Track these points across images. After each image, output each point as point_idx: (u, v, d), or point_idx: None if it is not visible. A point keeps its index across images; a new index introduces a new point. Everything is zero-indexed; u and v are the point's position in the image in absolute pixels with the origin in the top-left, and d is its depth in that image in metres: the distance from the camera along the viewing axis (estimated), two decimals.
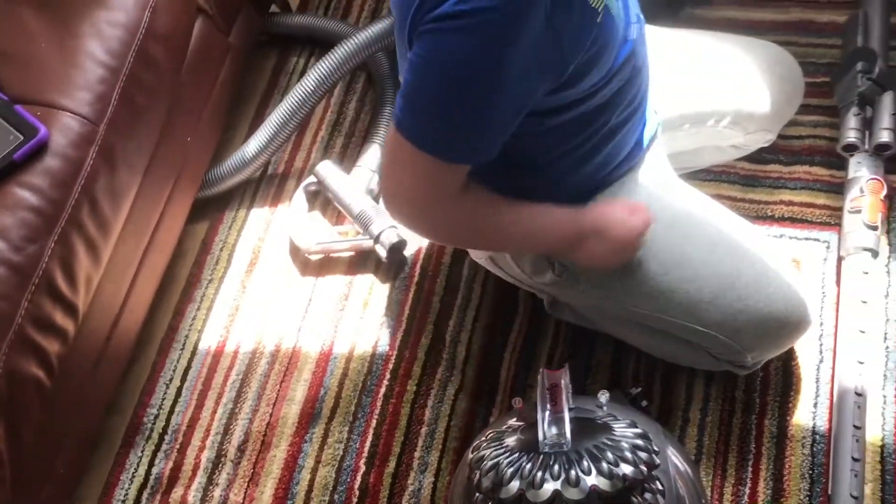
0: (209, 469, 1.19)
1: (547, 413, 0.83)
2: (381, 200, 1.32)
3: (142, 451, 1.22)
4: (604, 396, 0.92)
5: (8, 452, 0.97)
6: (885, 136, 1.14)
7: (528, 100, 0.78)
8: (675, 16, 1.35)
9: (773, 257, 0.99)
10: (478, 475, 0.80)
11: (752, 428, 1.07)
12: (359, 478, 1.14)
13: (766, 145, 1.18)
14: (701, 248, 0.97)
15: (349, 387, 1.21)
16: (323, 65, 1.34)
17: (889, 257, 1.15)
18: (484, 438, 0.87)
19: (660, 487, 0.81)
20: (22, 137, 0.99)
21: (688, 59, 1.10)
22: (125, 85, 1.09)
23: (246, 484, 1.17)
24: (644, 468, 0.77)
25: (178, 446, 1.22)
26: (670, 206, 0.98)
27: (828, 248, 1.17)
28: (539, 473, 0.76)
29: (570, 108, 0.84)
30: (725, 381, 1.11)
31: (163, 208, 1.24)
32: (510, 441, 0.84)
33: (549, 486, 0.74)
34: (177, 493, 1.18)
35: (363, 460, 1.15)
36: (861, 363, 1.04)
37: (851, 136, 1.16)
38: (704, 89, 1.09)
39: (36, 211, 0.99)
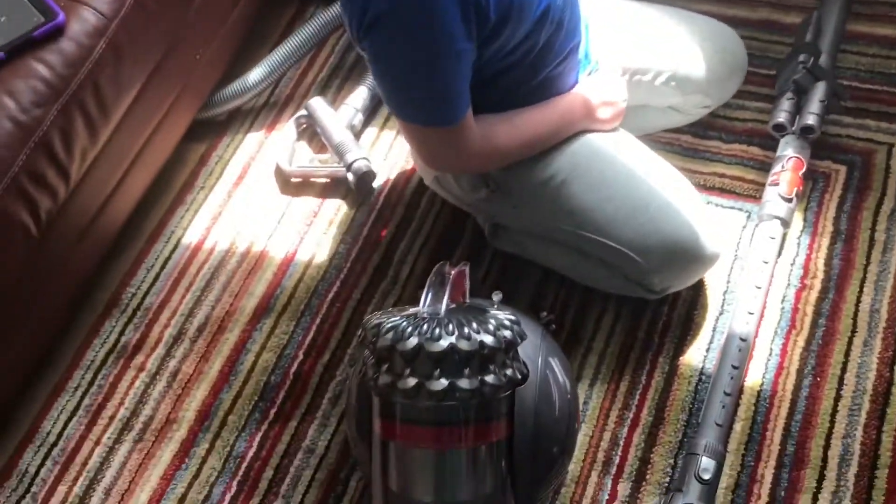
0: (169, 343, 1.34)
1: (431, 290, 0.95)
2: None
3: (116, 322, 1.37)
4: (497, 296, 1.04)
5: None
6: (810, 120, 1.23)
7: (468, 51, 0.94)
8: None
9: (688, 194, 1.11)
10: (365, 335, 0.92)
11: (646, 363, 1.18)
12: (295, 364, 1.28)
13: (705, 112, 1.29)
14: (620, 174, 1.10)
15: (303, 289, 1.35)
16: (330, 10, 1.50)
17: (802, 231, 1.24)
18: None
19: (520, 373, 0.90)
20: (43, 19, 1.16)
21: (632, 22, 1.23)
22: None
23: (198, 359, 1.31)
24: (504, 341, 0.88)
25: (146, 321, 1.37)
26: (600, 137, 1.12)
27: (748, 217, 1.27)
28: (409, 329, 0.87)
29: (509, 67, 1.01)
30: (630, 321, 1.21)
31: (165, 111, 1.39)
32: (397, 314, 0.95)
33: (414, 340, 0.84)
34: (138, 359, 1.33)
35: (302, 350, 1.29)
36: (751, 314, 1.13)
37: (781, 117, 1.26)
38: (645, 48, 1.21)
39: (45, 82, 1.15)
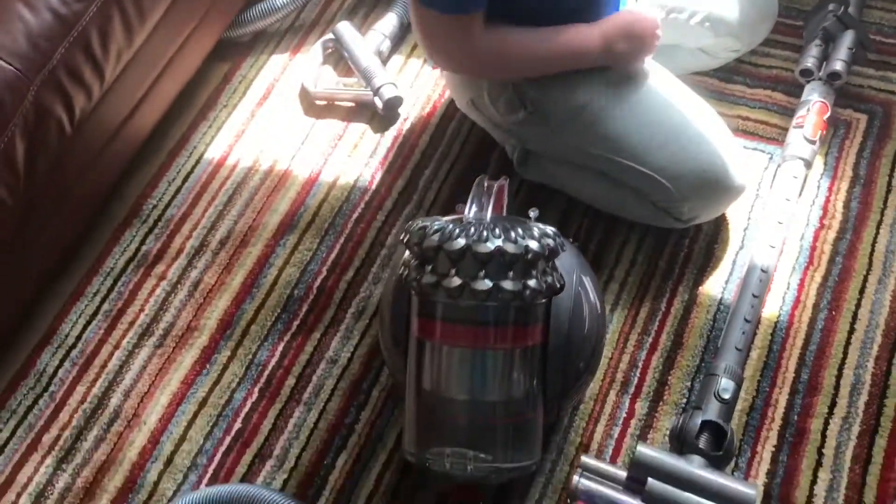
0: (191, 254, 1.34)
1: (475, 199, 0.97)
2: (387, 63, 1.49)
3: (136, 231, 1.38)
4: (533, 213, 1.06)
5: (24, 175, 1.12)
6: (838, 66, 1.26)
7: None
8: None
9: (719, 127, 1.13)
10: (409, 236, 0.93)
11: (666, 291, 1.21)
12: (319, 280, 1.29)
13: (733, 56, 1.31)
14: (656, 102, 1.12)
15: (327, 209, 1.36)
16: None
17: (822, 174, 1.28)
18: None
19: (559, 282, 0.93)
20: None
21: None
22: None
23: (220, 271, 1.32)
24: (547, 249, 0.90)
25: (168, 232, 1.37)
26: (638, 66, 1.13)
27: (770, 158, 1.30)
28: (456, 231, 0.88)
29: None
30: (652, 252, 1.24)
31: (195, 24, 1.39)
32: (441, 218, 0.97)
33: (461, 241, 0.85)
34: (159, 268, 1.33)
35: (326, 267, 1.30)
36: (773, 247, 1.16)
37: (809, 62, 1.29)
38: None
39: None
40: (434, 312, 0.90)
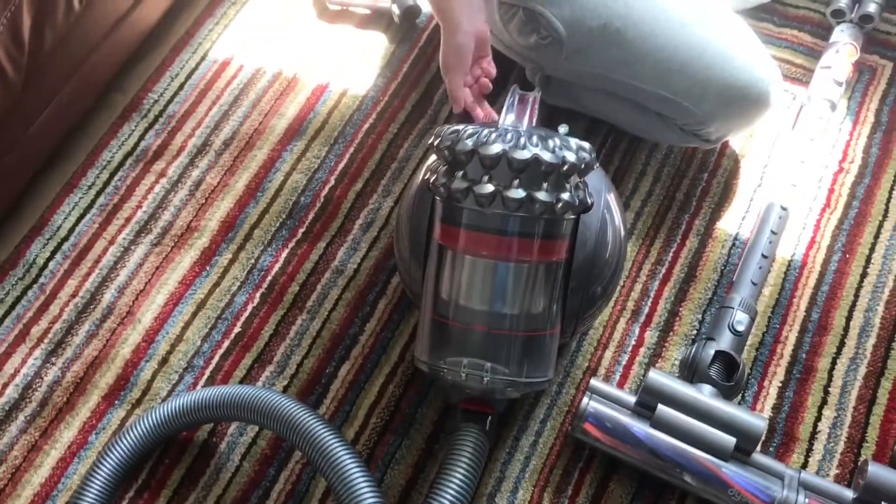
0: (193, 153, 1.29)
1: (510, 107, 0.93)
2: None
3: (136, 126, 1.32)
4: (563, 128, 1.03)
5: (29, 49, 1.06)
6: (871, 8, 1.24)
7: None
8: None
9: (747, 41, 1.09)
10: (441, 140, 0.89)
11: (682, 224, 1.19)
12: (326, 189, 1.25)
13: None
14: (673, 22, 1.07)
15: (337, 116, 1.31)
16: None
17: (844, 118, 1.26)
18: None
19: (590, 198, 0.91)
20: None
21: None
22: None
23: (223, 172, 1.27)
24: (583, 162, 0.87)
25: (169, 129, 1.32)
26: None
27: (793, 98, 1.28)
28: (492, 136, 0.85)
29: None
30: (669, 184, 1.22)
31: None
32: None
33: (497, 147, 0.82)
34: (159, 165, 1.28)
35: (334, 176, 1.26)
36: (794, 185, 1.15)
37: (843, 2, 1.26)
38: None
39: None
40: (459, 219, 0.88)
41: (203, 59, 1.38)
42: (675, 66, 1.06)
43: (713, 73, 1.06)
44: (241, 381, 1.10)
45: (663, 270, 1.16)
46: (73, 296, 1.18)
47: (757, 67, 1.07)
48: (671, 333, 1.11)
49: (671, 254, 1.17)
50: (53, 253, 1.22)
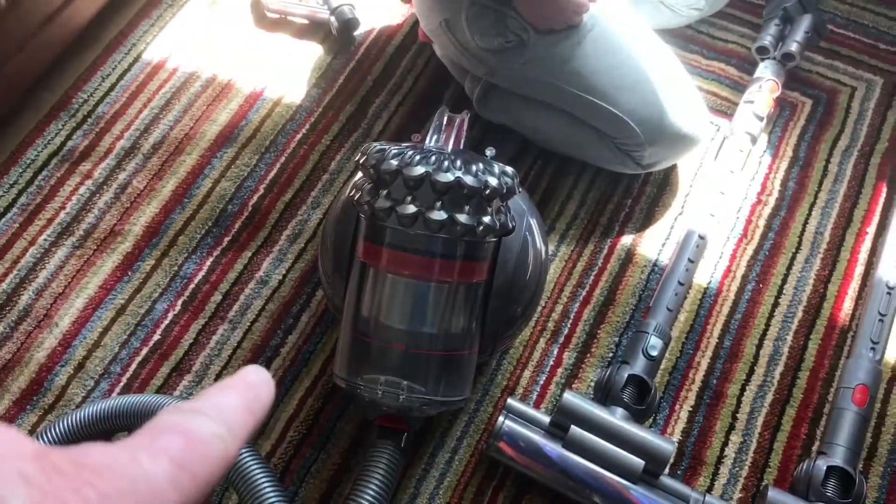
0: (121, 155, 1.27)
1: (436, 129, 0.95)
2: None
3: (63, 125, 1.30)
4: (490, 151, 1.04)
5: None
6: (793, 47, 1.29)
7: None
8: None
9: (685, 78, 1.15)
10: (367, 158, 0.90)
11: (604, 248, 1.22)
12: (255, 198, 1.24)
13: (695, 16, 1.33)
14: (630, 45, 1.13)
15: (269, 125, 1.31)
16: None
17: (764, 152, 1.31)
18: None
19: (511, 223, 0.93)
20: None
21: None
22: None
23: (151, 176, 1.26)
24: (505, 187, 0.89)
25: (97, 130, 1.30)
26: (616, 8, 1.13)
27: (717, 130, 1.32)
28: (416, 157, 0.86)
29: None
30: (594, 208, 1.25)
31: None
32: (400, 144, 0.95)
33: (420, 168, 0.83)
34: (85, 166, 1.26)
35: (264, 185, 1.26)
36: (712, 216, 1.19)
37: (767, 40, 1.31)
38: None
39: None
40: (382, 238, 0.88)
41: (136, 60, 1.36)
42: (627, 86, 1.10)
43: (658, 99, 1.11)
44: (158, 390, 1.09)
45: (584, 293, 1.18)
46: None
47: (696, 105, 1.14)
48: (588, 355, 1.13)
49: (592, 277, 1.19)
50: None
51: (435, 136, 0.94)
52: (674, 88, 1.13)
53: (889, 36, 1.43)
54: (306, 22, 1.42)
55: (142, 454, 0.23)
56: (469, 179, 0.84)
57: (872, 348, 1.08)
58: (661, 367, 1.11)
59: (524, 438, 1.00)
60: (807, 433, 1.08)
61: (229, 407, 0.26)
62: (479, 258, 0.90)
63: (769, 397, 1.11)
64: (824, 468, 0.97)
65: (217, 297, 1.16)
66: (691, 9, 1.31)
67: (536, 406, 1.10)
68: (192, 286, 1.17)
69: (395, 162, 0.85)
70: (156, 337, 1.13)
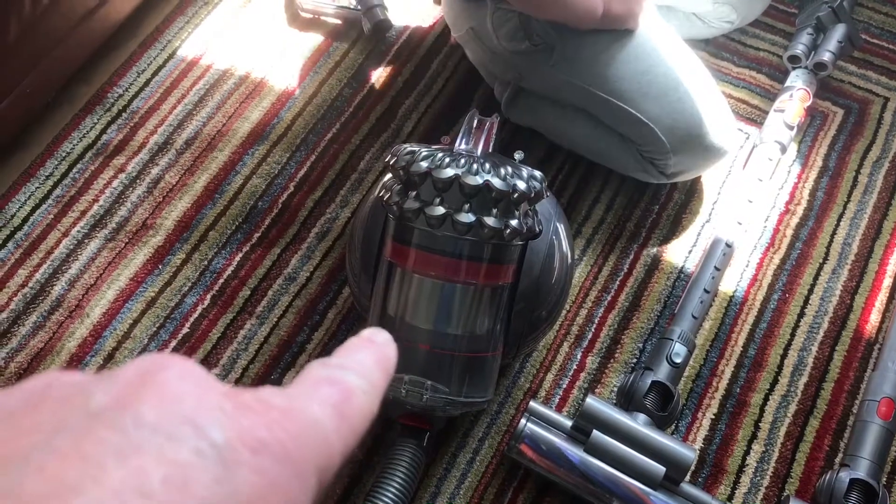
0: (154, 150, 1.29)
1: (467, 132, 0.95)
2: None
3: (98, 119, 1.32)
4: (518, 155, 1.05)
5: None
6: (825, 57, 1.28)
7: None
8: None
9: (714, 91, 1.14)
10: (397, 159, 0.91)
11: (630, 253, 1.22)
12: (285, 195, 1.26)
13: (727, 28, 1.32)
14: (659, 51, 1.12)
15: (300, 124, 1.32)
16: None
17: (793, 161, 1.30)
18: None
19: (538, 226, 0.93)
20: None
21: None
22: None
23: (183, 171, 1.28)
24: (533, 191, 0.90)
25: (132, 124, 1.32)
26: (648, 15, 1.13)
27: (747, 138, 1.32)
28: (446, 160, 0.87)
29: None
30: (622, 212, 1.25)
31: None
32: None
33: (450, 171, 0.84)
34: (119, 160, 1.28)
35: (294, 183, 1.27)
36: (740, 224, 1.18)
37: (799, 49, 1.30)
38: None
39: None
40: (410, 238, 0.89)
41: (171, 56, 1.38)
42: (653, 93, 1.09)
43: (686, 107, 1.10)
44: None
45: (609, 298, 1.18)
46: (23, 286, 1.18)
47: (725, 116, 1.13)
48: (612, 360, 1.13)
49: (618, 282, 1.19)
50: (5, 241, 1.21)
51: (465, 139, 0.95)
52: (702, 99, 1.12)
53: None
54: (339, 22, 1.43)
55: (311, 401, 0.23)
56: (497, 183, 0.85)
57: None
58: (685, 374, 1.11)
59: (545, 441, 1.00)
60: (830, 445, 1.07)
61: (370, 364, 0.27)
62: (505, 261, 0.91)
63: (792, 407, 1.10)
64: (847, 480, 0.96)
65: (245, 293, 1.17)
66: (723, 21, 1.30)
67: (558, 410, 1.10)
68: (221, 281, 1.18)
69: (425, 164, 0.86)
70: (184, 330, 1.15)
